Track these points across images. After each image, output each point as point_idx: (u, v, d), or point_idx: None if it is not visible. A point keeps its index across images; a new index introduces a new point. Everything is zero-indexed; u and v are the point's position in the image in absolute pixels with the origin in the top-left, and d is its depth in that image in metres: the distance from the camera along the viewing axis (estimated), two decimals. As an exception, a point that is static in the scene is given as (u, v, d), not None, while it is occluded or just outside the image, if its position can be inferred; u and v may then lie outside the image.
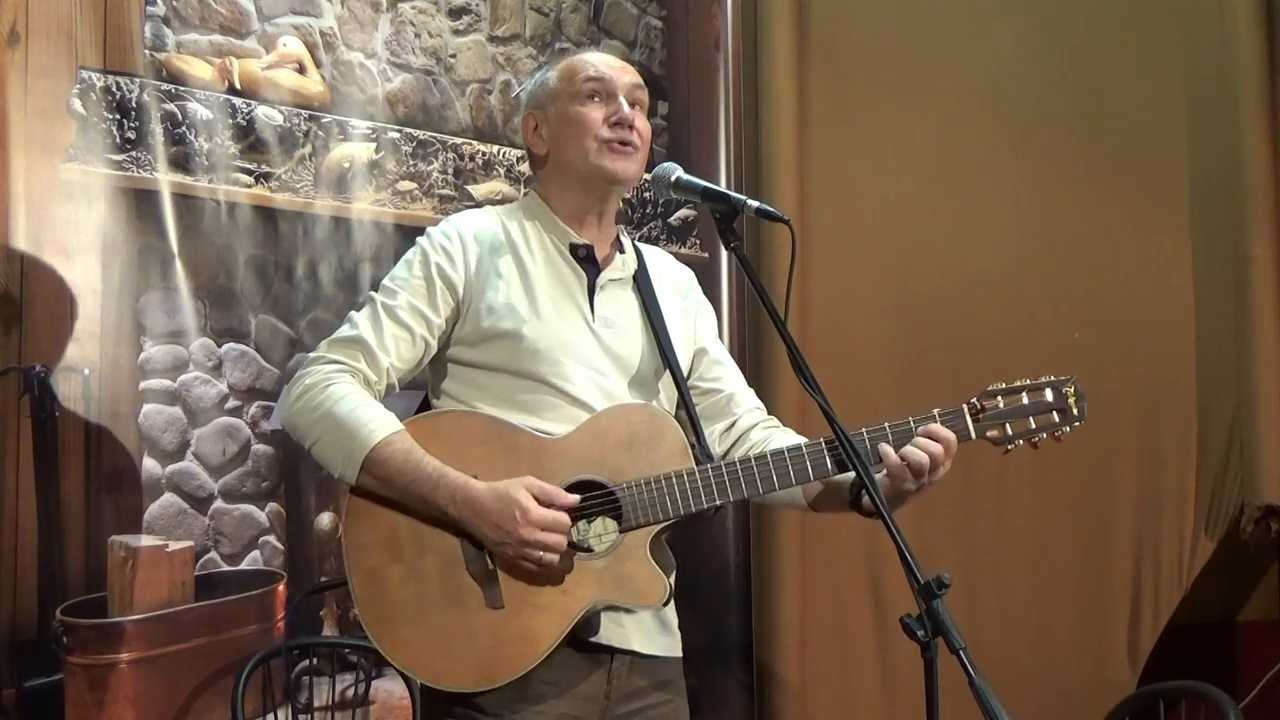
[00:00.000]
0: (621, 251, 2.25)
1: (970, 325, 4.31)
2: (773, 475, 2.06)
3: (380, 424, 2.03)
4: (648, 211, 4.04)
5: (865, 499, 2.05)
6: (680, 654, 2.21)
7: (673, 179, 2.11)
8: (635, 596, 2.05)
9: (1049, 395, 2.12)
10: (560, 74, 2.23)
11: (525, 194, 2.31)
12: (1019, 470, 4.36)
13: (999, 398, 2.10)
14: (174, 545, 3.12)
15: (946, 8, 4.50)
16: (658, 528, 2.06)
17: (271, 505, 3.29)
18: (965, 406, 2.09)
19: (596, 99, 2.18)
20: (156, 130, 3.16)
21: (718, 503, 2.07)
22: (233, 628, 3.20)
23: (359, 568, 2.04)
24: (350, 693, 3.28)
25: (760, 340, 4.10)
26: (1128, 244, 4.46)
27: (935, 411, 2.08)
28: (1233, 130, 4.36)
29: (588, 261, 2.19)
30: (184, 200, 3.20)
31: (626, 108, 2.18)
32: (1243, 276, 4.34)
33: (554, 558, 1.98)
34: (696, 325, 2.32)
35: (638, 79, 2.23)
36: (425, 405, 2.22)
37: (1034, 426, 2.11)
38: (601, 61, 2.23)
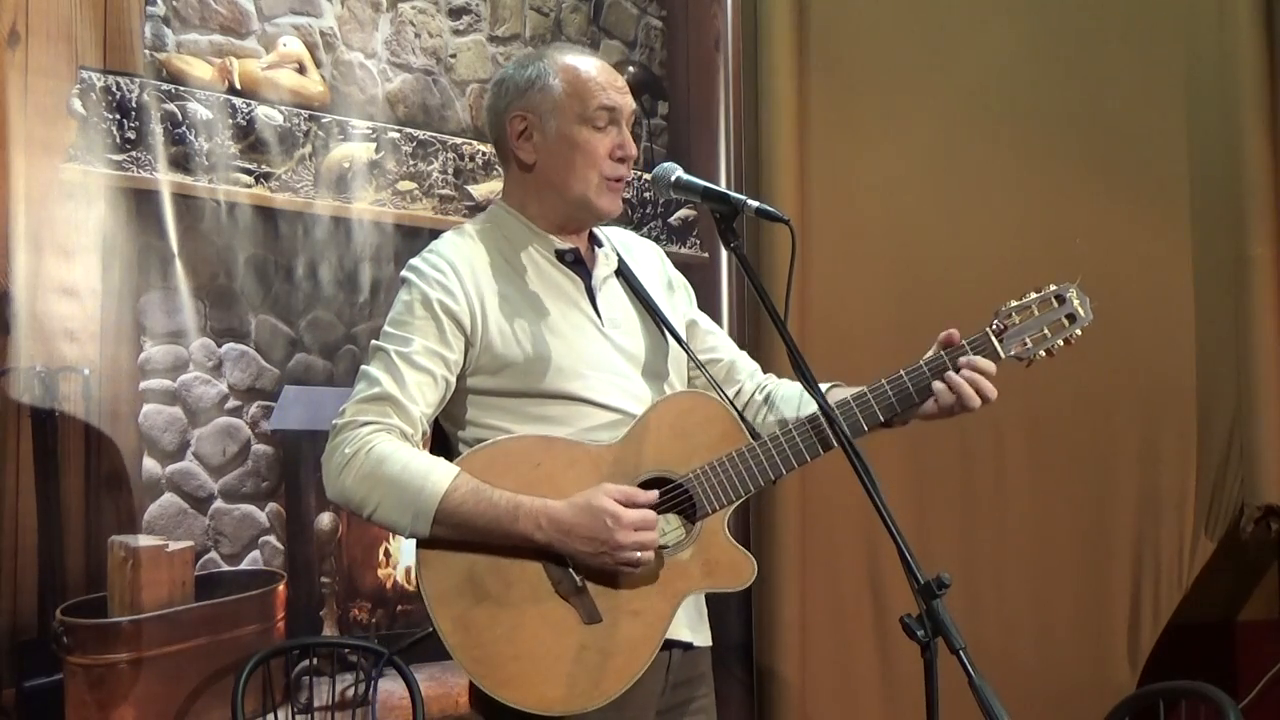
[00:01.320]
0: (599, 245, 2.23)
1: (970, 325, 4.30)
2: (829, 435, 2.06)
3: (438, 473, 1.98)
4: (648, 211, 4.04)
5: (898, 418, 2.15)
6: (710, 643, 2.23)
7: (673, 179, 2.10)
8: (728, 579, 2.06)
9: (1056, 303, 2.21)
10: (568, 86, 2.13)
11: (491, 208, 2.25)
12: (1019, 470, 4.37)
13: (1013, 315, 2.19)
14: (174, 545, 3.12)
15: (946, 8, 4.50)
16: (732, 508, 2.06)
17: (271, 505, 3.29)
18: (989, 330, 2.17)
19: (605, 128, 2.13)
20: (156, 130, 3.16)
21: (784, 473, 2.08)
22: (233, 628, 3.19)
23: (445, 615, 2.00)
24: (350, 693, 3.28)
25: (760, 340, 4.10)
26: (1128, 244, 4.46)
27: (965, 342, 2.15)
28: (1233, 130, 4.36)
29: (577, 265, 2.17)
30: (184, 200, 3.20)
31: (631, 142, 2.16)
32: (1243, 276, 4.34)
33: (650, 555, 1.98)
34: (680, 299, 2.32)
35: (633, 100, 2.20)
36: (439, 433, 2.19)
37: (1049, 335, 2.19)
38: (609, 84, 2.15)
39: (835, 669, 4.28)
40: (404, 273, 2.13)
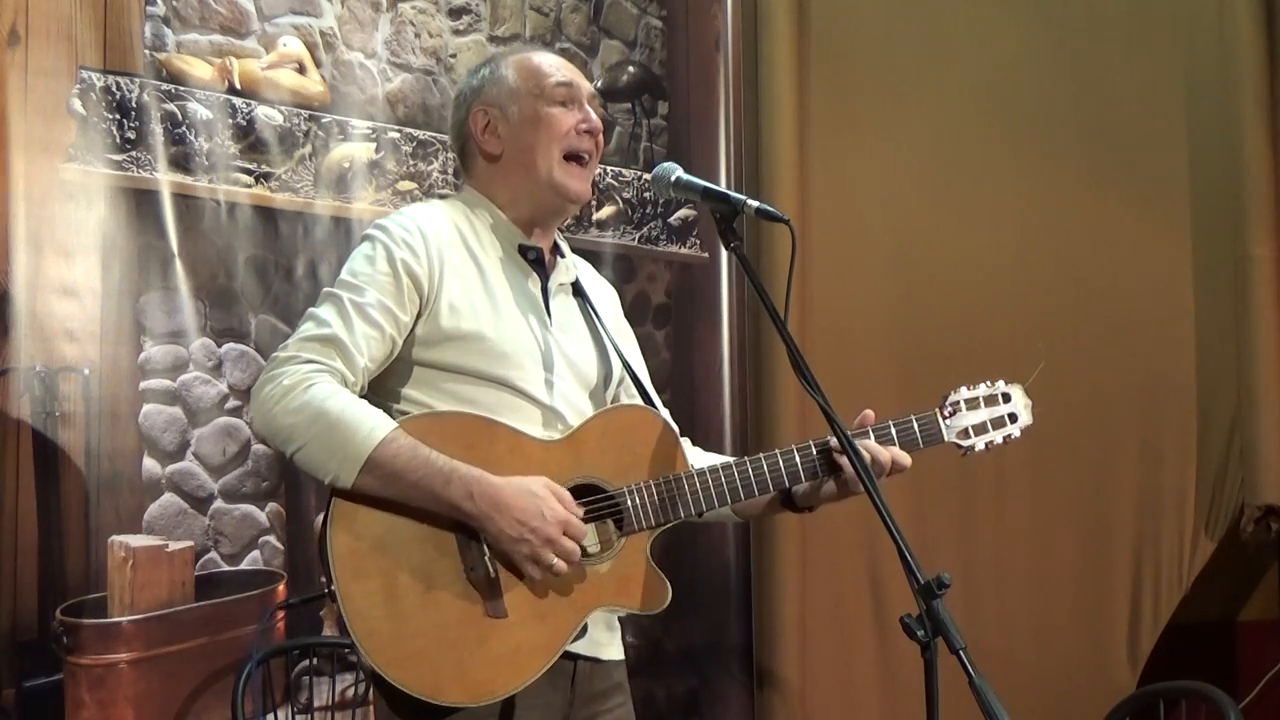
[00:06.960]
0: (562, 256, 2.23)
1: (970, 325, 4.31)
2: (766, 477, 2.09)
3: (379, 421, 1.92)
4: (648, 211, 4.04)
5: (796, 496, 2.18)
6: (623, 656, 2.18)
7: (673, 179, 2.10)
8: (641, 601, 2.02)
9: (1001, 401, 2.25)
10: (521, 73, 2.17)
11: (462, 188, 2.24)
12: (1019, 470, 4.37)
13: (962, 403, 2.23)
14: (174, 545, 3.12)
15: (947, 8, 4.51)
16: (659, 531, 2.04)
17: (271, 505, 3.29)
18: (937, 411, 2.21)
19: (566, 105, 2.16)
20: (156, 130, 3.16)
21: (717, 507, 2.08)
22: (233, 628, 3.19)
23: (348, 578, 1.90)
24: (350, 693, 3.28)
25: (760, 340, 4.10)
26: (1128, 244, 4.46)
27: (913, 416, 2.17)
28: (1233, 130, 4.36)
29: (537, 264, 2.16)
30: (184, 200, 3.20)
31: (594, 117, 2.17)
32: (1243, 276, 4.35)
33: (564, 566, 1.93)
34: (630, 339, 2.33)
35: (589, 84, 2.23)
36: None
37: (990, 429, 2.24)
38: (564, 66, 2.20)
39: (835, 669, 4.28)
40: (369, 229, 2.09)
